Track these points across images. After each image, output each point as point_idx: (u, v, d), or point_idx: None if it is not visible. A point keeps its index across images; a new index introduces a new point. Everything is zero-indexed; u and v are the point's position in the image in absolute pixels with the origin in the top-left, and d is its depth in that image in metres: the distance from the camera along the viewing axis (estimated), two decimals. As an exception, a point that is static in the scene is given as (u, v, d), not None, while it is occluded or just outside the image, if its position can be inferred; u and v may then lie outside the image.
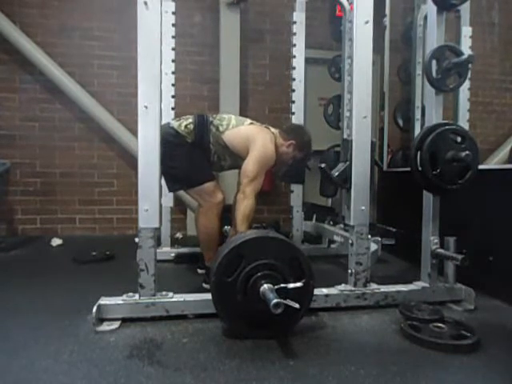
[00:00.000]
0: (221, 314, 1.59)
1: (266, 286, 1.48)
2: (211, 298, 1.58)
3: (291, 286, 1.50)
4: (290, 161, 2.41)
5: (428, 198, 1.99)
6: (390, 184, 3.43)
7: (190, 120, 2.20)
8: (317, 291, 1.89)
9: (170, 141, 2.09)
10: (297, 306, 1.45)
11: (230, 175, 2.89)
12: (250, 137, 2.16)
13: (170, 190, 2.33)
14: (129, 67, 3.76)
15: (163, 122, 1.94)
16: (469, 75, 2.19)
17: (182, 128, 2.16)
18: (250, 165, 2.10)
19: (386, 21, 3.51)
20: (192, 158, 2.15)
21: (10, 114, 3.84)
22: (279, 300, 1.39)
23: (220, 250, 1.64)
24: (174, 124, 2.19)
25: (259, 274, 1.51)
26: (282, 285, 1.49)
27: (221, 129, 2.19)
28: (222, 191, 2.23)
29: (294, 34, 3.01)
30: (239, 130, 2.20)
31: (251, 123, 2.28)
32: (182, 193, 2.52)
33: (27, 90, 3.86)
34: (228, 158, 2.26)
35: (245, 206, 2.06)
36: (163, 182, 2.08)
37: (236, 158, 2.23)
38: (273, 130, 2.35)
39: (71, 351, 1.44)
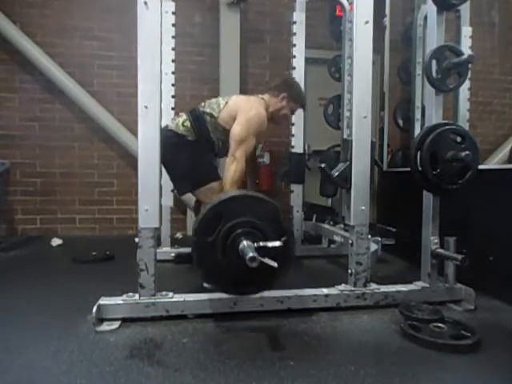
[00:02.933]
0: (203, 274, 1.61)
1: (245, 242, 1.49)
2: (194, 259, 1.58)
3: (270, 244, 1.50)
4: (289, 113, 2.38)
5: (428, 198, 1.99)
6: (390, 184, 3.43)
7: (185, 117, 2.20)
8: (317, 291, 1.90)
9: (172, 143, 2.09)
10: (275, 264, 1.45)
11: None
12: (238, 107, 2.15)
13: (180, 194, 2.33)
14: (129, 67, 3.76)
15: (163, 122, 1.94)
16: (469, 75, 2.19)
17: (180, 127, 2.16)
18: (236, 128, 2.07)
19: (386, 21, 3.51)
20: (196, 158, 2.15)
21: (10, 113, 3.84)
22: (255, 254, 1.41)
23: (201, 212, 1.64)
24: (172, 126, 2.19)
25: (238, 231, 1.52)
26: (261, 243, 1.50)
27: (215, 114, 2.17)
28: None
29: (294, 34, 3.01)
30: (228, 107, 2.17)
31: (237, 96, 2.28)
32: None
33: (27, 90, 3.86)
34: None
35: (234, 169, 2.01)
36: (163, 182, 2.08)
37: None
38: (262, 96, 2.32)
39: (71, 351, 1.44)
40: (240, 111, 2.12)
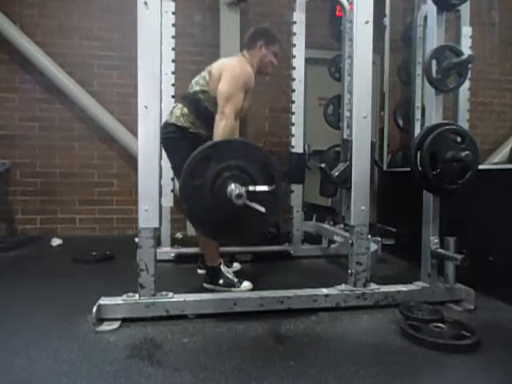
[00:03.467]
0: (192, 220, 1.62)
1: (233, 185, 1.49)
2: (183, 206, 1.57)
3: (258, 188, 1.50)
4: (273, 58, 2.31)
5: (428, 198, 1.99)
6: (390, 184, 3.43)
7: (180, 105, 2.19)
8: (317, 291, 1.89)
9: (172, 137, 2.08)
10: (262, 209, 1.47)
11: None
12: (222, 69, 2.10)
13: None
14: (129, 67, 3.76)
15: (163, 122, 1.94)
16: (469, 75, 2.19)
17: (181, 119, 2.13)
18: (222, 85, 2.03)
19: (386, 21, 3.51)
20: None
21: (9, 113, 3.84)
22: (241, 191, 1.43)
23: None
24: (172, 120, 2.16)
25: (227, 174, 1.52)
26: (250, 187, 1.50)
27: (206, 89, 2.14)
28: None
29: (294, 34, 3.01)
30: (213, 74, 2.13)
31: (217, 61, 2.25)
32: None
33: (27, 89, 3.86)
34: None
35: (223, 125, 1.97)
36: (163, 182, 2.08)
37: None
38: (241, 54, 2.29)
39: (71, 351, 1.44)
40: (224, 70, 2.08)
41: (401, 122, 3.72)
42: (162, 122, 1.83)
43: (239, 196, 1.43)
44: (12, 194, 3.85)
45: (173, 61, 2.90)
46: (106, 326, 1.64)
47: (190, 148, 2.12)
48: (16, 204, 3.89)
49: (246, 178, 1.52)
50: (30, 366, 1.34)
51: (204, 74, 2.20)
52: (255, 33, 2.31)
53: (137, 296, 1.73)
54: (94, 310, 1.63)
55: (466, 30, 3.02)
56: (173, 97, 2.90)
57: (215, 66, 2.17)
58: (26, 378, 1.27)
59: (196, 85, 2.19)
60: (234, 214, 1.48)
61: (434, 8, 1.92)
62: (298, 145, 3.07)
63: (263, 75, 2.34)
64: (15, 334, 1.60)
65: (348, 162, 1.94)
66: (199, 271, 2.50)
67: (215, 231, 1.60)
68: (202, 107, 2.15)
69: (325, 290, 1.90)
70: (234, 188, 1.48)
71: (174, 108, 2.22)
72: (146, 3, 1.67)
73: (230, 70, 2.07)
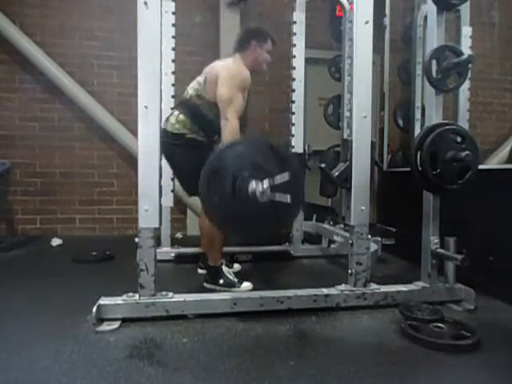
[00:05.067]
0: (225, 229, 1.69)
1: (253, 181, 1.49)
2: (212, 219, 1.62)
3: (278, 178, 1.50)
4: (267, 56, 2.31)
5: (428, 198, 1.99)
6: (389, 184, 3.43)
7: (176, 112, 2.19)
8: (317, 291, 1.89)
9: (171, 143, 2.08)
10: (287, 199, 1.48)
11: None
12: (217, 72, 2.11)
13: (189, 194, 2.35)
14: (129, 67, 3.75)
15: (163, 122, 1.94)
16: (469, 75, 2.19)
17: (176, 125, 2.13)
18: (221, 89, 2.04)
19: (386, 21, 3.51)
20: (195, 158, 2.13)
21: (9, 114, 3.84)
22: (263, 187, 1.45)
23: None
24: (167, 128, 2.14)
25: (244, 175, 1.52)
26: (268, 181, 1.49)
27: (202, 94, 2.14)
28: None
29: (294, 34, 3.01)
30: (209, 79, 2.14)
31: (210, 65, 2.26)
32: (182, 193, 2.52)
33: (27, 89, 3.86)
34: None
35: (230, 129, 1.99)
36: (163, 182, 2.08)
37: None
38: (235, 55, 2.27)
39: (71, 351, 1.44)
40: (220, 73, 2.09)
41: (401, 122, 3.72)
42: (162, 122, 1.83)
43: (263, 192, 1.44)
44: (12, 194, 3.85)
45: (173, 61, 2.89)
46: (105, 326, 1.64)
47: (186, 153, 2.14)
48: (16, 204, 3.88)
49: (262, 173, 1.52)
50: (30, 366, 1.34)
51: (199, 78, 2.22)
52: (245, 33, 2.32)
53: (137, 296, 1.73)
54: (94, 310, 1.63)
55: (466, 30, 3.02)
56: (173, 97, 2.90)
57: (209, 70, 2.19)
58: (26, 379, 1.27)
59: (191, 90, 2.21)
60: (262, 210, 1.49)
61: (434, 8, 1.92)
62: (297, 145, 3.07)
63: (259, 72, 2.35)
64: (15, 334, 1.60)
65: (348, 162, 1.94)
66: (199, 271, 2.50)
67: (251, 232, 1.64)
68: (198, 112, 2.15)
69: (325, 290, 1.90)
70: (254, 186, 1.48)
71: (169, 115, 2.22)
72: (145, 3, 1.66)
73: (225, 73, 2.08)
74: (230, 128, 1.99)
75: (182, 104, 2.22)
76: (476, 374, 1.36)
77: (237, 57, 2.23)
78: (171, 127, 2.14)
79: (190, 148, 2.15)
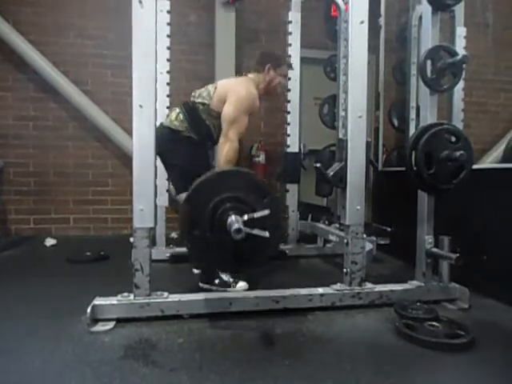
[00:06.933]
0: (201, 265, 1.72)
1: (233, 216, 1.48)
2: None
3: (258, 214, 1.48)
4: (282, 80, 2.37)
5: (423, 198, 2.00)
6: (385, 183, 3.44)
7: (178, 110, 2.22)
8: (312, 291, 1.90)
9: (168, 139, 2.10)
10: (266, 234, 1.46)
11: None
12: (228, 89, 2.15)
13: (177, 192, 2.33)
14: (124, 66, 3.73)
15: (158, 121, 1.94)
16: (463, 75, 2.20)
17: (175, 123, 2.18)
18: (227, 108, 2.08)
19: (381, 21, 3.52)
20: (193, 153, 2.16)
21: (3, 113, 3.81)
22: (240, 226, 1.42)
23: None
24: (166, 122, 2.21)
25: (221, 210, 1.51)
26: (246, 216, 1.48)
27: (206, 102, 2.18)
28: None
29: (290, 33, 3.02)
30: (218, 91, 2.18)
31: (226, 79, 2.29)
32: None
33: (21, 88, 3.83)
34: None
35: (227, 149, 2.03)
36: (158, 181, 2.07)
37: None
38: (249, 75, 2.33)
39: (65, 352, 1.43)
40: (230, 92, 2.12)
41: (396, 122, 3.73)
42: (157, 121, 1.82)
43: (238, 231, 1.42)
44: (5, 193, 3.81)
45: (168, 60, 2.88)
46: (100, 327, 1.63)
47: (182, 148, 2.15)
48: (9, 204, 3.85)
49: (246, 209, 1.50)
50: (25, 367, 1.33)
51: (210, 88, 2.24)
52: (263, 56, 2.38)
53: (132, 296, 1.72)
54: (89, 310, 1.62)
55: (461, 31, 3.03)
56: (168, 96, 2.89)
57: (222, 83, 2.23)
58: (20, 380, 1.26)
59: (199, 96, 2.23)
60: (240, 245, 1.47)
61: (429, 8, 1.93)
62: (293, 144, 3.07)
63: (271, 95, 2.39)
64: (9, 335, 1.58)
65: (343, 162, 1.94)
66: (194, 271, 2.49)
67: (226, 266, 1.62)
68: (197, 117, 2.19)
69: (320, 290, 1.91)
70: (233, 220, 1.46)
71: (171, 111, 2.26)
72: (140, 2, 1.65)
73: (235, 93, 2.12)
74: (228, 148, 2.04)
75: (186, 105, 2.24)
76: (470, 372, 1.37)
77: (250, 77, 2.29)
78: (169, 122, 2.19)
79: (184, 144, 2.17)
